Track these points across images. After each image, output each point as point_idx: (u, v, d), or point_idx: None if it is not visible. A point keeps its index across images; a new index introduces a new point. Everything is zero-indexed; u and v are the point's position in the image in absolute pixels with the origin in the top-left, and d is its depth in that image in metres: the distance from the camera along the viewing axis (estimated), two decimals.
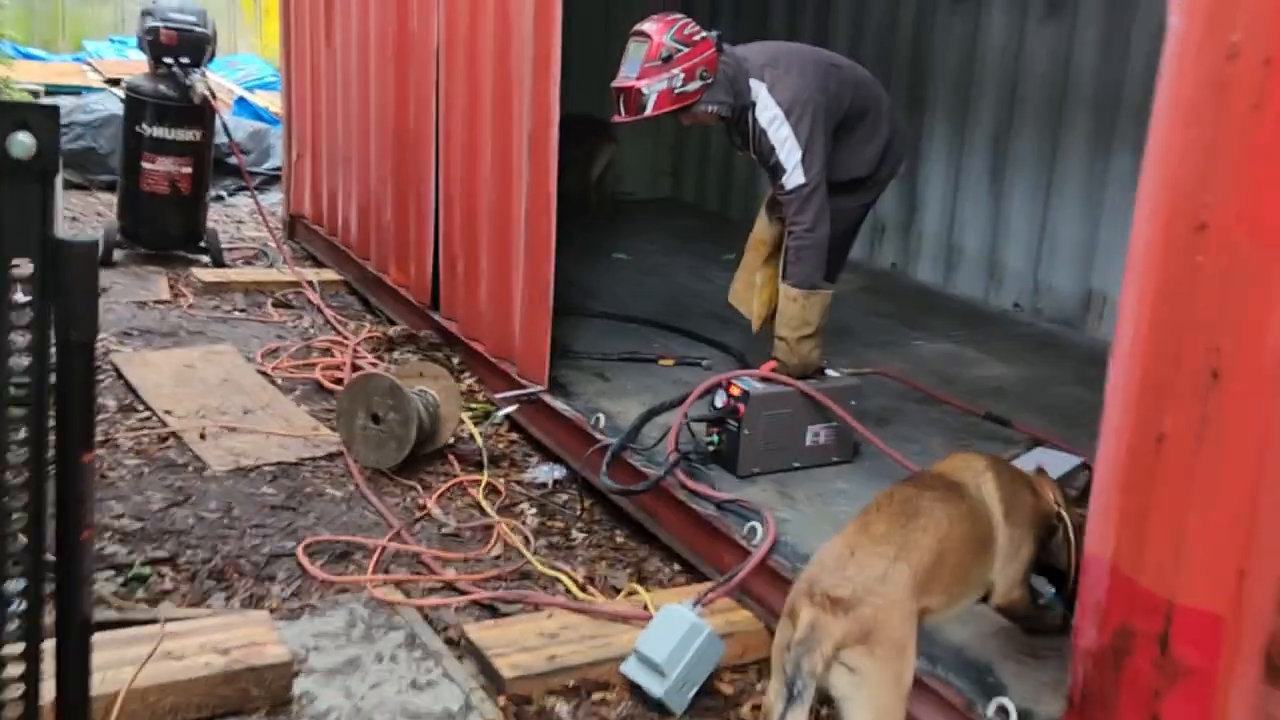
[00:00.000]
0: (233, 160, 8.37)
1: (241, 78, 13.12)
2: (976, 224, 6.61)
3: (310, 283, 6.80)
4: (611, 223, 8.08)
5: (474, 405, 4.99)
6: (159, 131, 6.81)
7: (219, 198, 9.40)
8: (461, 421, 4.73)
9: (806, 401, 3.95)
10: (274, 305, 6.50)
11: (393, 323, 6.24)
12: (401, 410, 4.41)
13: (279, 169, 9.89)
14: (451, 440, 4.66)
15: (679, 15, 4.07)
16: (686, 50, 3.94)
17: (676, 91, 3.95)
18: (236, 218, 8.79)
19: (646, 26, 3.99)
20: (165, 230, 7.04)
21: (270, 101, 11.61)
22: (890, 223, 7.09)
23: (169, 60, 6.74)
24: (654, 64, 3.93)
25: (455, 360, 5.45)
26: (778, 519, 3.57)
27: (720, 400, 3.94)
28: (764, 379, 3.98)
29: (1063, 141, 6.04)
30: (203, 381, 5.15)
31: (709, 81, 4.00)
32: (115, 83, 10.25)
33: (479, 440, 4.65)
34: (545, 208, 4.53)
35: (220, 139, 7.44)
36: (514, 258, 4.85)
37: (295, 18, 7.70)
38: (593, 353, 5.12)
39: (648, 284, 6.65)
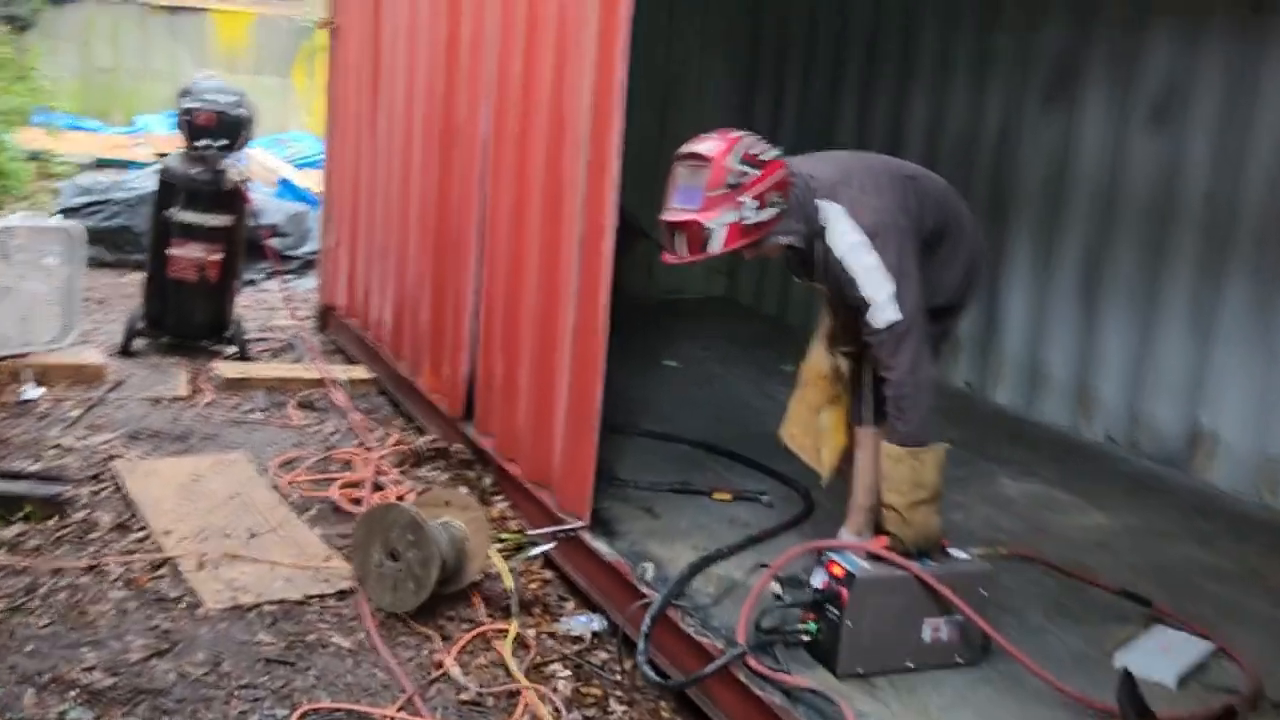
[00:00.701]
0: (271, 242, 8.01)
1: (291, 154, 12.93)
2: (1064, 346, 6.03)
3: (337, 382, 6.35)
4: (660, 325, 7.59)
5: (505, 535, 4.45)
6: (189, 216, 6.44)
7: (251, 282, 9.05)
8: (489, 556, 4.19)
9: (925, 589, 3.26)
10: (297, 406, 6.03)
11: (422, 431, 5.75)
12: (423, 548, 3.88)
13: (314, 253, 9.55)
14: (478, 577, 4.11)
15: (740, 132, 3.46)
16: (756, 174, 3.35)
17: (748, 223, 3.37)
18: (269, 304, 8.39)
19: (703, 148, 3.38)
20: (190, 319, 6.63)
21: (318, 181, 11.38)
22: (966, 338, 6.52)
23: (204, 142, 6.38)
24: (718, 192, 3.33)
25: (487, 481, 4.93)
26: (859, 712, 2.99)
27: (819, 580, 3.28)
28: (873, 557, 3.31)
29: (1166, 261, 5.48)
30: (209, 496, 4.65)
31: (783, 208, 3.45)
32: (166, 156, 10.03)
33: (508, 581, 4.10)
34: (596, 322, 4.03)
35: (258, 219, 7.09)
36: (558, 374, 4.34)
37: (339, 101, 7.36)
38: (639, 482, 4.58)
39: (700, 396, 6.13)
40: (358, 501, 4.72)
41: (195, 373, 6.39)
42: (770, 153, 3.43)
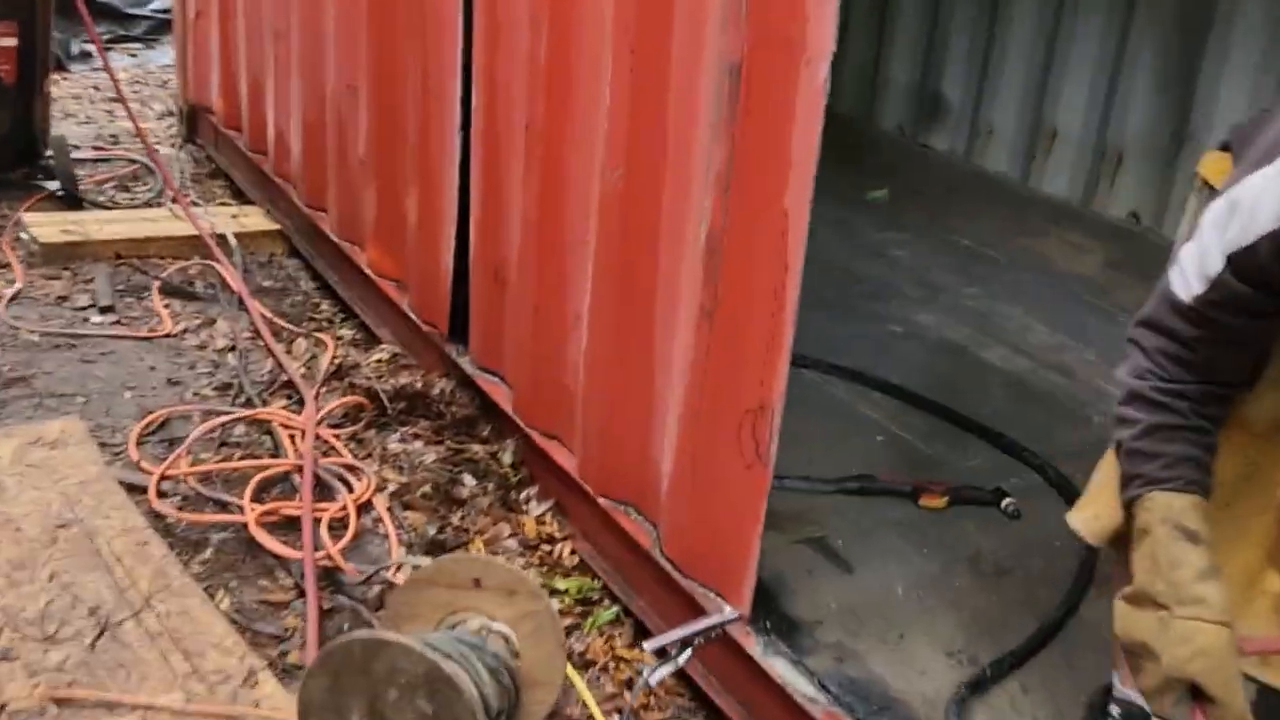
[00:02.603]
0: None
1: None
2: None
3: (224, 238, 4.14)
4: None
5: (573, 587, 2.52)
6: None
7: (83, 55, 6.48)
8: (566, 678, 2.25)
9: None
10: (163, 293, 3.84)
11: (371, 337, 3.65)
12: (449, 712, 1.93)
13: (167, 11, 6.97)
14: (543, 711, 2.19)
15: None
16: None
17: None
18: (104, 95, 5.91)
19: None
20: None
21: None
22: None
23: None
24: None
25: (506, 459, 2.93)
26: None
27: None
28: None
29: None
30: (15, 538, 2.56)
31: None
32: None
33: None
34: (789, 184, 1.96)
35: None
36: (672, 302, 2.30)
37: None
38: (794, 476, 2.64)
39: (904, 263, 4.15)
40: (293, 525, 2.68)
41: None
42: None
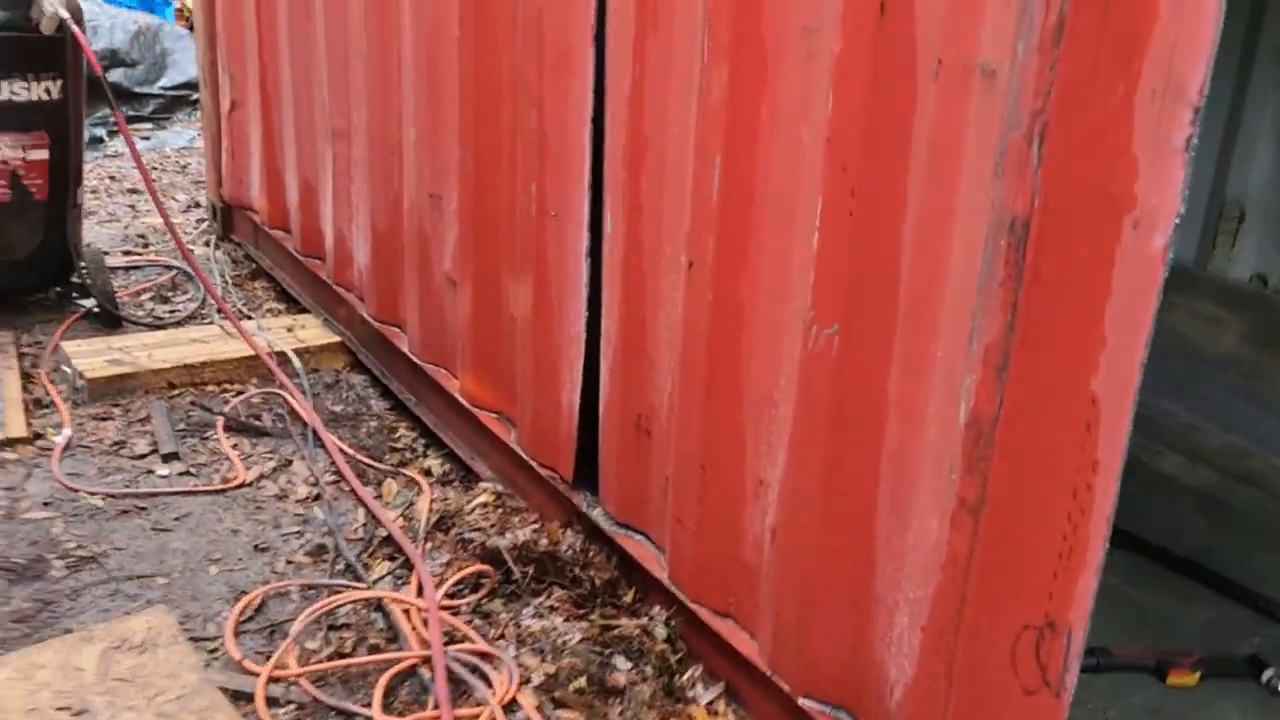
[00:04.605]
0: (111, 76, 5.12)
1: None
2: None
3: (284, 356, 3.76)
4: None
5: None
6: None
7: (97, 141, 6.10)
8: None
9: None
10: (228, 429, 3.44)
11: (468, 473, 3.26)
12: None
13: (186, 89, 6.62)
14: None
15: None
16: None
17: None
18: (127, 184, 5.52)
19: None
20: (8, 266, 3.85)
21: None
22: None
23: None
24: None
25: (660, 636, 2.54)
26: None
27: None
28: None
29: None
30: None
31: None
32: None
33: None
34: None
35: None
36: (907, 487, 1.93)
37: None
38: None
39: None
40: None
41: (32, 366, 3.69)
42: None
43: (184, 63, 6.58)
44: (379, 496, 3.16)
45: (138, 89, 6.61)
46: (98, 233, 4.89)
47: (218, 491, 3.11)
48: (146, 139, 6.36)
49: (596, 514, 2.76)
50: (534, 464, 2.97)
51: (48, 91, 3.64)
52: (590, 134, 2.54)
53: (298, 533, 2.97)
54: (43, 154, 3.70)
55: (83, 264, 4.00)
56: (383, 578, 2.79)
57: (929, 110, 1.77)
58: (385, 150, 3.47)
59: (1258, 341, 3.90)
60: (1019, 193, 1.61)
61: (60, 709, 2.27)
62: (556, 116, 2.63)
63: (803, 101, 1.97)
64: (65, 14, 3.53)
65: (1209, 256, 4.47)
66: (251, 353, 3.77)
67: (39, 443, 3.27)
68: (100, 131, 6.11)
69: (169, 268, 4.56)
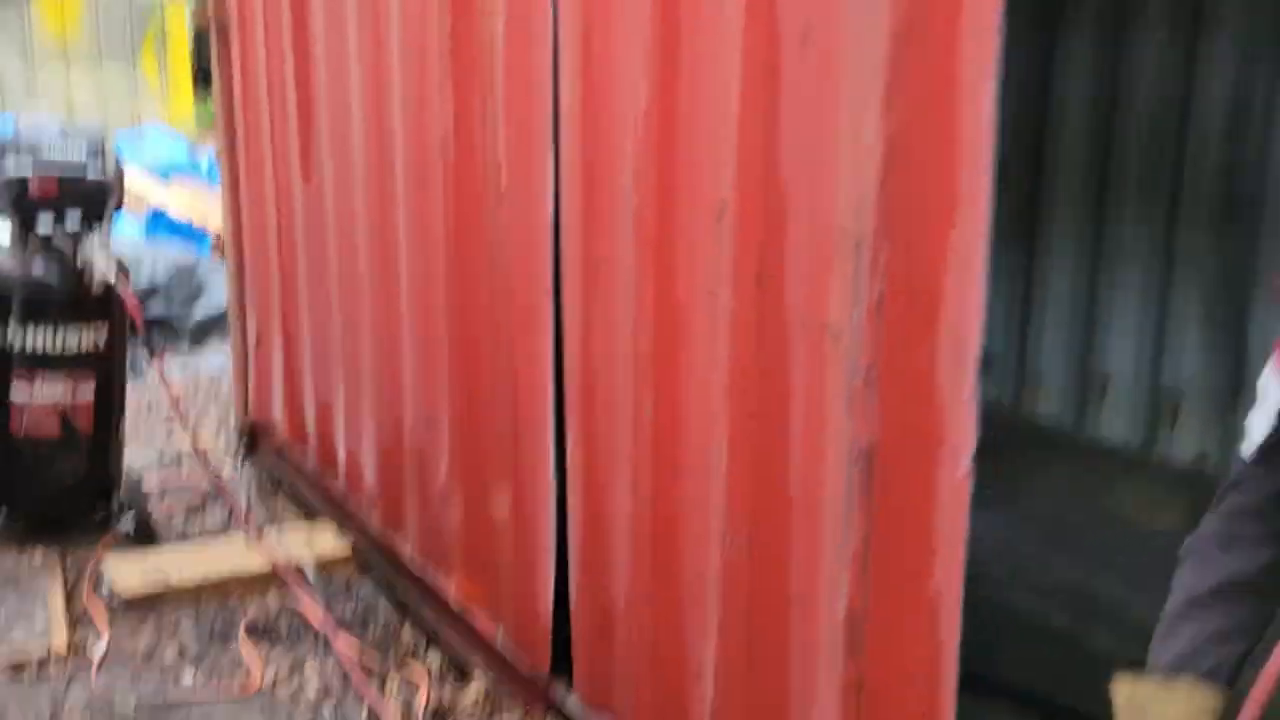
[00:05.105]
0: (147, 309, 5.67)
1: (151, 159, 10.19)
2: None
3: (301, 571, 4.14)
4: None
5: None
6: (38, 340, 4.10)
7: (137, 372, 6.64)
8: None
9: None
10: (248, 636, 3.81)
11: (462, 670, 3.59)
12: None
13: (220, 316, 7.20)
14: None
15: None
16: None
17: None
18: (162, 411, 6.03)
19: None
20: (56, 494, 4.31)
21: (192, 202, 8.88)
22: None
23: (48, 223, 4.05)
24: None
25: None
26: None
27: None
28: None
29: None
30: None
31: None
32: None
33: None
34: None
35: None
36: (809, 672, 2.27)
37: (245, 125, 5.01)
38: None
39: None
40: None
41: (72, 585, 4.10)
42: None
43: (217, 292, 7.19)
44: (383, 692, 3.50)
45: (176, 319, 7.23)
46: (136, 455, 5.35)
47: (237, 700, 3.46)
48: (184, 364, 6.93)
49: (571, 701, 3.09)
50: (517, 657, 3.31)
51: (95, 341, 4.17)
52: (553, 374, 3.00)
53: (290, 709, 3.30)
54: (89, 395, 4.20)
55: (121, 489, 4.45)
56: None
57: (800, 359, 2.20)
58: (389, 378, 3.94)
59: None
60: (864, 430, 2.02)
61: None
62: (525, 358, 3.10)
63: (711, 353, 2.41)
64: (112, 278, 4.08)
65: (1153, 439, 4.85)
66: (271, 565, 4.17)
67: (79, 655, 3.64)
68: (141, 363, 6.66)
69: (198, 490, 5.01)
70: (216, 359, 7.07)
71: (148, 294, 7.05)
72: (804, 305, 2.17)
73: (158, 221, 8.63)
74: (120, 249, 4.79)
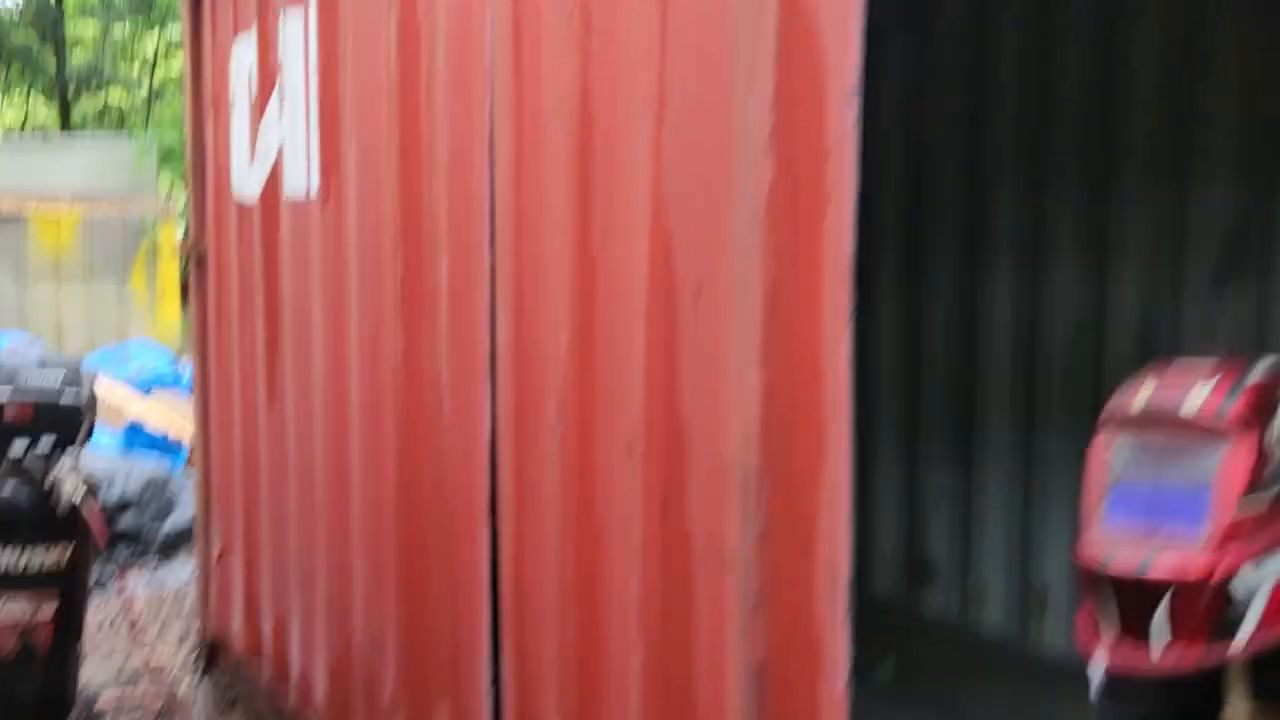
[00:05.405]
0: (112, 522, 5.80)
1: (135, 372, 10.47)
2: None
3: None
4: None
5: None
6: (4, 560, 4.23)
7: (97, 585, 6.71)
8: None
9: None
10: None
11: None
12: None
13: (189, 529, 7.31)
14: None
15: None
16: None
17: None
18: (125, 624, 6.09)
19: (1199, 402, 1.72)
20: (7, 715, 4.35)
21: (169, 415, 9.11)
22: None
23: (20, 446, 4.25)
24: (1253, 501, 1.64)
25: None
26: None
27: None
28: None
29: None
30: None
31: None
32: None
33: None
34: None
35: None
36: None
37: (215, 349, 5.29)
38: None
39: None
40: None
41: None
42: None
43: (188, 506, 7.33)
44: None
45: (146, 531, 7.34)
46: (96, 670, 5.40)
47: None
48: (151, 578, 7.00)
49: None
50: None
51: (59, 561, 4.31)
52: (489, 593, 3.16)
53: None
54: (50, 614, 4.31)
55: (76, 709, 4.50)
56: None
57: (702, 583, 2.37)
58: (341, 596, 4.07)
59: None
60: (755, 649, 2.19)
61: None
62: (465, 581, 3.26)
63: (625, 578, 2.59)
64: (78, 500, 4.26)
65: (1026, 632, 5.08)
66: None
67: None
68: (107, 579, 6.75)
69: (154, 707, 5.04)
70: (184, 571, 7.15)
71: (119, 508, 7.19)
72: (704, 534, 2.36)
73: (135, 435, 8.84)
74: (93, 465, 4.97)
